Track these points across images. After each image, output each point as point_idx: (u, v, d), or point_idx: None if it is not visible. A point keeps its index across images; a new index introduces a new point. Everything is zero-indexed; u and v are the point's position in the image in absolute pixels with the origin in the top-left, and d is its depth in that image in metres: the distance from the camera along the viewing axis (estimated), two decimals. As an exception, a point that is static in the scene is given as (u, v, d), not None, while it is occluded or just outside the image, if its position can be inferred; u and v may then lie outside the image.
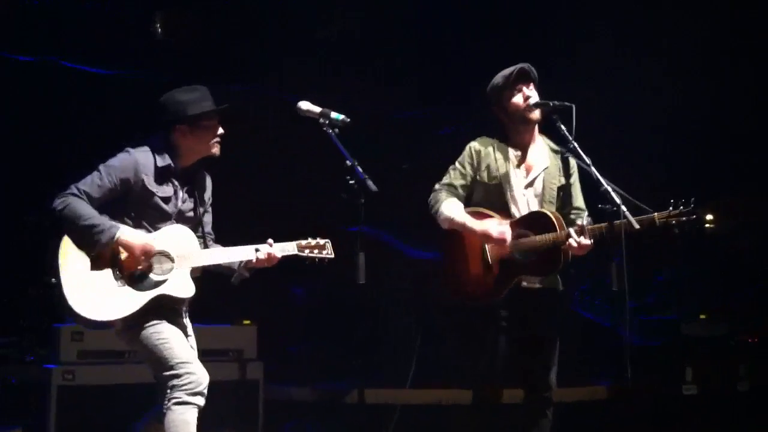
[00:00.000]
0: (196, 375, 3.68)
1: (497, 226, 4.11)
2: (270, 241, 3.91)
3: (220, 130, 3.87)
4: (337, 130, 3.74)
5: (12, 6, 6.82)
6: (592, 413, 6.39)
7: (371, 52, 8.11)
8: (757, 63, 7.67)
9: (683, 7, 7.42)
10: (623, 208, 3.78)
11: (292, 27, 7.72)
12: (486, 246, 4.15)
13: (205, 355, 5.44)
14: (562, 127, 4.02)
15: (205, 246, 3.95)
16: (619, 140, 7.55)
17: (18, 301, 6.12)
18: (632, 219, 3.80)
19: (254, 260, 3.86)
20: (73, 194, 3.65)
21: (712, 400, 6.48)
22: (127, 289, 3.68)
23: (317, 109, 3.79)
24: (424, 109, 8.43)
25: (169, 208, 3.83)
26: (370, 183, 3.56)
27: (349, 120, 3.75)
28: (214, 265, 3.90)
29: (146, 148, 3.82)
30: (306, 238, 3.98)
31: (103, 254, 3.67)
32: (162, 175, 3.80)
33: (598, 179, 3.86)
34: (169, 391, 3.65)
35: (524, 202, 4.22)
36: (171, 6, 7.41)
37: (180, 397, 3.63)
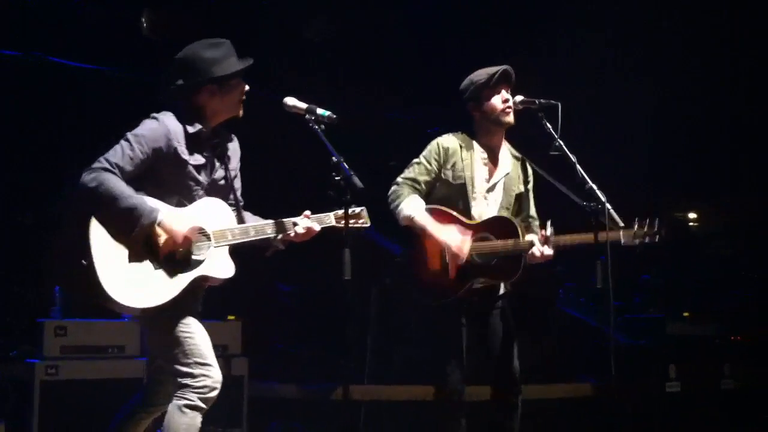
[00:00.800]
0: (211, 378, 3.53)
1: (457, 238, 4.08)
2: (307, 212, 3.78)
3: (245, 87, 3.72)
4: (323, 126, 3.70)
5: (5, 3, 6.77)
6: (577, 410, 6.42)
7: (359, 51, 8.11)
8: (746, 61, 7.72)
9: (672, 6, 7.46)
10: (608, 206, 3.80)
11: (280, 26, 7.72)
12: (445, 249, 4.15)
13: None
14: (548, 124, 4.03)
15: (239, 215, 3.76)
16: (603, 139, 7.59)
17: (1, 297, 6.08)
18: (617, 217, 3.83)
19: (293, 234, 3.75)
20: (105, 169, 3.41)
21: (697, 399, 6.51)
22: (164, 272, 3.47)
23: (303, 105, 3.75)
24: (413, 109, 8.45)
25: (202, 177, 3.64)
26: (356, 180, 3.52)
27: (335, 116, 3.71)
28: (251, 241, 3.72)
29: (172, 114, 3.60)
30: (341, 208, 3.78)
31: (138, 236, 3.43)
32: (194, 143, 3.60)
33: (583, 177, 3.88)
34: (180, 388, 3.51)
35: (485, 205, 4.22)
36: (158, 4, 7.37)
37: (193, 400, 3.49)
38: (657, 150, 8.17)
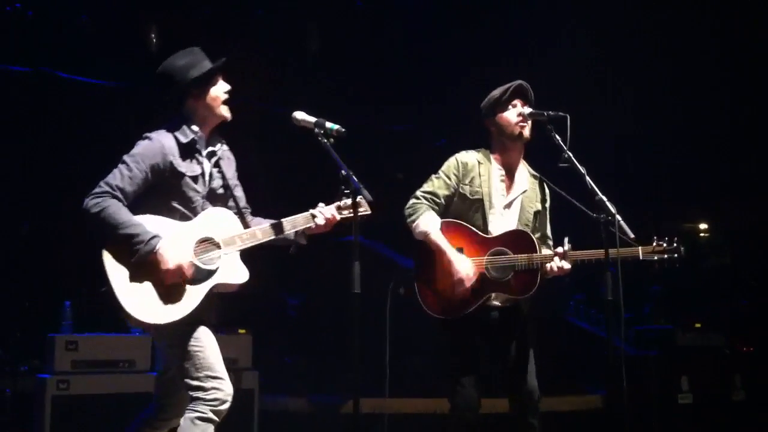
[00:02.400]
0: (222, 392, 3.58)
1: (465, 267, 4.08)
2: (321, 204, 3.85)
3: (226, 87, 3.79)
4: (332, 140, 3.71)
5: (6, 17, 6.82)
6: (588, 423, 6.40)
7: (367, 64, 8.15)
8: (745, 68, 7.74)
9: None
10: (618, 217, 3.79)
11: (287, 39, 7.76)
12: None
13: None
14: (557, 137, 4.02)
15: (244, 223, 3.82)
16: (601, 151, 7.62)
17: (12, 312, 6.10)
18: (627, 229, 3.81)
19: (314, 226, 3.80)
20: (107, 193, 3.50)
21: (708, 410, 6.48)
22: (182, 286, 3.53)
23: (312, 119, 3.76)
24: (420, 122, 8.48)
25: (199, 187, 3.71)
26: (365, 193, 3.54)
27: (344, 130, 3.72)
28: (268, 241, 3.78)
29: (164, 131, 3.70)
30: (341, 199, 3.86)
31: (139, 262, 3.51)
32: (188, 152, 3.68)
33: (593, 188, 3.87)
34: (192, 402, 3.56)
35: (502, 221, 4.21)
36: (166, 18, 7.42)
37: (205, 413, 3.53)
38: (664, 159, 8.18)
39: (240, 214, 3.85)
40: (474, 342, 4.18)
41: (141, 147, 3.63)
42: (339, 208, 3.88)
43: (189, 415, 3.54)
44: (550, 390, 4.25)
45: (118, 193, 3.52)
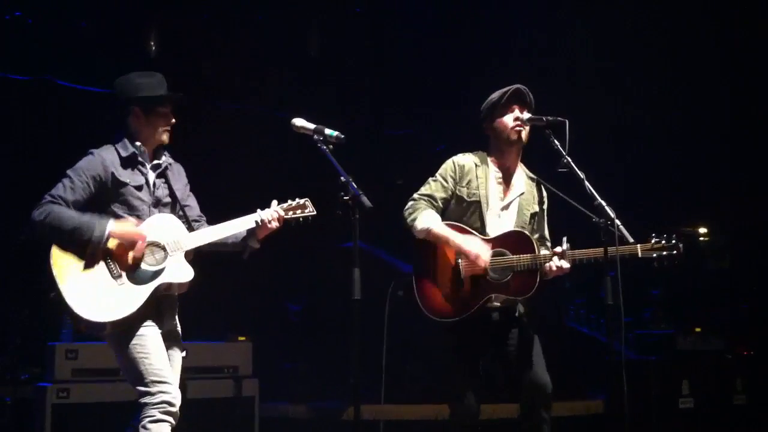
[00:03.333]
0: (169, 394, 3.65)
1: (478, 246, 4.09)
2: (274, 203, 3.93)
3: (172, 120, 3.89)
4: (331, 146, 3.73)
5: (7, 25, 6.83)
6: (589, 428, 6.39)
7: (367, 70, 8.16)
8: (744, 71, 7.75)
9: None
10: (617, 222, 3.80)
11: (285, 45, 7.77)
12: (460, 262, 4.14)
13: (200, 372, 5.47)
14: (556, 141, 4.03)
15: (190, 229, 3.89)
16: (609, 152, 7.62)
17: (11, 320, 6.09)
18: (626, 233, 3.82)
19: (260, 222, 3.85)
20: (50, 202, 3.62)
21: (709, 414, 6.48)
22: (128, 285, 3.65)
23: (311, 126, 3.78)
24: (419, 128, 8.48)
25: (144, 195, 3.80)
26: (364, 199, 3.53)
27: (343, 136, 3.74)
28: (220, 244, 3.88)
29: (108, 146, 3.81)
30: (285, 201, 3.96)
31: (96, 254, 3.63)
32: (129, 164, 3.79)
33: (592, 193, 3.87)
34: (143, 408, 3.63)
35: (499, 223, 4.21)
36: (165, 25, 7.43)
37: (154, 415, 3.60)
38: (662, 163, 8.18)
39: (189, 224, 3.91)
40: (475, 346, 4.17)
41: (83, 161, 3.76)
42: (284, 209, 3.94)
43: (142, 421, 3.60)
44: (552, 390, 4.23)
45: (60, 201, 3.64)
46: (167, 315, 3.84)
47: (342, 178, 3.58)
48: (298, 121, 3.80)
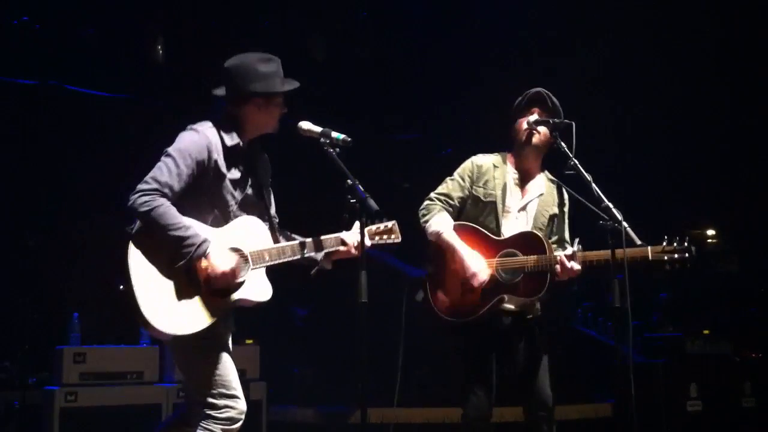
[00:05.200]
0: (236, 410, 3.47)
1: (479, 265, 4.08)
2: (356, 226, 3.69)
3: (285, 108, 3.67)
4: (338, 149, 3.69)
5: (14, 30, 6.86)
6: (597, 431, 6.37)
7: (373, 74, 8.17)
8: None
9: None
10: (625, 224, 3.78)
11: (293, 49, 7.78)
12: None
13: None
14: (563, 144, 4.03)
15: (274, 235, 3.67)
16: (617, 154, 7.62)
17: (19, 324, 6.10)
18: (634, 236, 3.80)
19: (342, 249, 3.71)
20: (158, 191, 3.32)
21: (718, 417, 6.45)
22: (205, 297, 3.38)
23: (318, 129, 3.74)
24: (426, 131, 8.49)
25: (237, 192, 3.57)
26: (371, 202, 3.49)
27: (350, 140, 3.70)
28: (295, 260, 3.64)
29: (210, 125, 3.52)
30: (373, 222, 3.77)
31: (183, 266, 3.36)
32: (231, 156, 3.53)
33: (599, 195, 3.86)
34: (204, 418, 3.43)
35: (516, 224, 4.21)
36: (172, 30, 7.45)
37: (214, 430, 3.42)
38: (663, 166, 8.18)
39: (270, 222, 3.71)
40: (486, 350, 4.16)
41: (187, 140, 3.46)
42: (370, 234, 3.77)
43: (199, 430, 3.44)
44: (559, 398, 4.22)
45: (167, 191, 3.34)
46: (230, 320, 3.65)
47: (349, 181, 3.54)
48: (305, 124, 3.77)
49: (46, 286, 6.47)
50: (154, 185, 3.33)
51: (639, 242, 3.81)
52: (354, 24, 8.06)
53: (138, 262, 3.32)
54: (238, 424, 3.50)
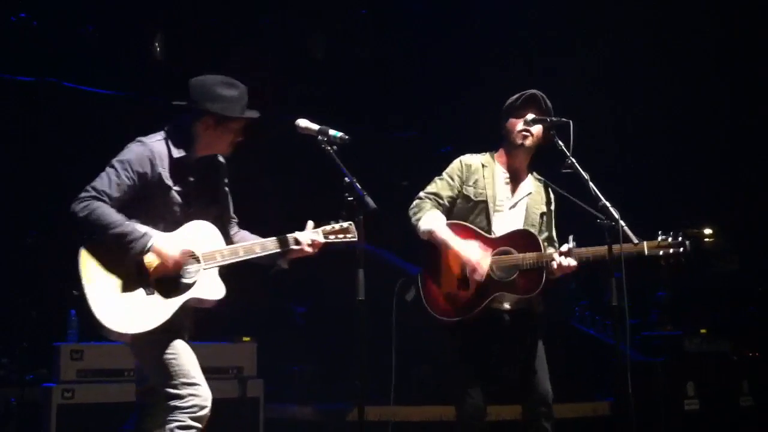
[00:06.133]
0: (200, 397, 3.56)
1: (477, 254, 4.08)
2: (310, 224, 3.85)
3: (241, 136, 3.75)
4: (335, 147, 3.70)
5: (12, 27, 6.85)
6: (595, 430, 6.38)
7: (372, 72, 8.17)
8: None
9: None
10: (621, 222, 3.79)
11: (293, 47, 7.78)
12: None
13: (204, 373, 5.44)
14: (560, 142, 4.03)
15: (227, 237, 3.80)
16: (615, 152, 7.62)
17: (17, 321, 6.10)
18: (631, 234, 3.81)
19: (296, 248, 3.78)
20: (94, 197, 3.47)
21: (716, 416, 6.46)
22: (157, 297, 3.52)
23: (315, 127, 3.76)
24: (425, 130, 8.49)
25: (186, 202, 3.66)
26: (368, 200, 3.52)
27: (348, 137, 3.72)
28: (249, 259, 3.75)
29: (160, 137, 3.66)
30: (329, 223, 3.88)
31: (129, 263, 3.50)
32: (178, 168, 3.63)
33: (596, 193, 3.86)
34: (171, 411, 3.53)
35: (506, 222, 4.21)
36: (172, 28, 7.44)
37: (183, 420, 3.51)
38: (663, 165, 8.18)
39: (223, 225, 3.82)
40: (483, 348, 4.16)
41: (131, 152, 3.59)
42: (325, 233, 3.87)
43: (168, 425, 3.52)
44: (557, 397, 4.23)
45: (105, 198, 3.49)
46: (187, 324, 3.75)
47: (346, 178, 3.56)
48: (303, 122, 3.78)
49: (45, 284, 6.45)
50: (92, 192, 3.49)
51: (636, 240, 3.82)
52: (354, 23, 8.06)
53: (89, 268, 3.47)
54: (205, 411, 3.57)
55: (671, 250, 3.97)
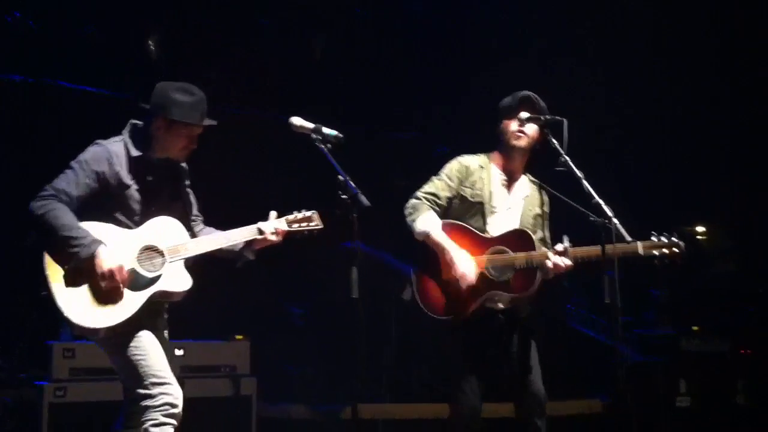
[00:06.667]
0: (170, 396, 3.59)
1: (468, 266, 4.09)
2: (273, 214, 3.92)
3: (194, 144, 3.82)
4: (329, 145, 3.72)
5: (8, 26, 6.84)
6: (588, 427, 6.38)
7: (368, 72, 8.16)
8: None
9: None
10: (615, 221, 3.79)
11: (289, 47, 7.77)
12: None
13: (197, 371, 5.46)
14: (554, 141, 4.03)
15: (191, 232, 3.86)
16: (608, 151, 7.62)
17: (10, 320, 6.09)
18: (624, 232, 3.81)
19: (259, 238, 3.84)
20: (53, 196, 3.53)
21: (710, 415, 6.46)
22: (123, 290, 3.57)
23: (310, 125, 3.77)
24: (421, 130, 8.49)
25: (146, 199, 3.73)
26: (362, 198, 3.54)
27: (342, 136, 3.74)
28: (214, 251, 3.82)
29: (119, 138, 3.75)
30: (291, 213, 3.95)
31: (75, 267, 3.54)
32: (136, 167, 3.71)
33: (590, 192, 3.87)
34: (144, 411, 3.56)
35: (502, 223, 4.22)
36: (170, 28, 7.43)
37: (156, 419, 3.55)
38: (663, 164, 8.19)
39: (187, 222, 3.88)
40: (478, 347, 4.17)
41: (89, 153, 3.67)
42: (288, 221, 3.92)
43: (143, 426, 3.55)
44: (551, 395, 4.24)
45: (63, 197, 3.55)
46: (159, 320, 3.81)
47: (340, 177, 3.57)
48: (297, 120, 3.79)
49: (34, 281, 6.44)
50: (51, 191, 3.55)
51: (629, 239, 3.83)
52: (350, 22, 8.06)
53: (54, 266, 3.52)
54: (177, 410, 3.60)
55: (666, 250, 3.98)
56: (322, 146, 3.71)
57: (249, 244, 3.87)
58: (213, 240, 3.82)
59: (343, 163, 3.63)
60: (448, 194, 4.27)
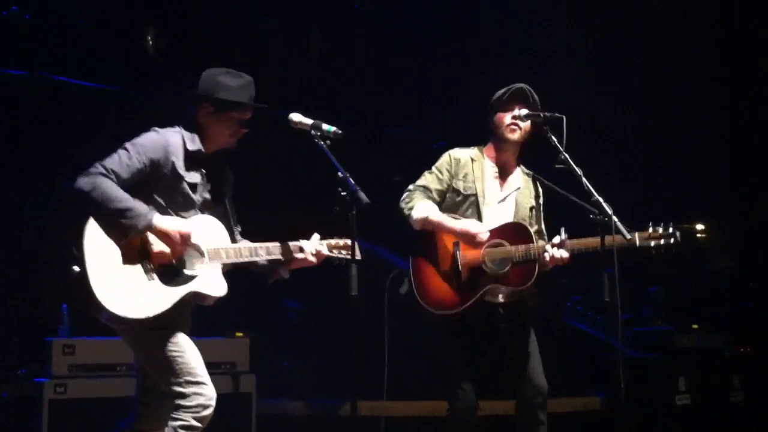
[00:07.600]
0: (204, 396, 3.49)
1: (475, 226, 4.12)
2: (315, 236, 3.86)
3: (244, 128, 3.74)
4: (328, 142, 3.70)
5: (3, 20, 6.82)
6: (586, 425, 6.40)
7: (365, 68, 8.16)
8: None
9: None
10: (614, 218, 3.80)
11: (285, 42, 7.76)
12: (458, 252, 4.15)
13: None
14: (553, 138, 4.04)
15: (233, 239, 3.77)
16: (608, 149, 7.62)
17: (9, 316, 6.08)
18: (623, 229, 3.82)
19: (300, 257, 3.79)
20: (101, 173, 3.39)
21: (706, 412, 6.48)
22: (157, 284, 3.45)
23: (309, 121, 3.76)
24: (418, 125, 8.48)
25: (195, 196, 3.66)
26: (361, 194, 3.51)
27: (341, 132, 3.73)
28: (248, 263, 3.75)
29: (176, 129, 3.66)
30: (332, 237, 3.88)
31: (133, 244, 3.42)
32: (191, 160, 3.63)
33: (589, 189, 3.87)
34: (174, 410, 3.47)
35: (496, 216, 4.23)
36: (167, 23, 7.42)
37: (187, 421, 3.45)
38: (661, 162, 8.19)
39: (231, 231, 3.79)
40: (475, 344, 4.18)
41: (146, 139, 3.56)
42: (330, 246, 3.87)
43: (172, 423, 3.47)
44: (548, 392, 4.24)
45: (112, 176, 3.42)
46: (187, 319, 3.72)
47: (339, 173, 3.56)
48: (296, 116, 3.78)
49: (33, 277, 6.43)
50: (100, 169, 3.41)
51: (629, 236, 3.83)
52: (348, 19, 8.05)
53: (94, 246, 3.34)
54: (209, 411, 3.51)
55: (662, 241, 3.99)
56: (321, 142, 3.68)
57: (287, 261, 3.81)
58: (253, 251, 3.73)
59: (342, 159, 3.63)
60: (439, 187, 4.29)
